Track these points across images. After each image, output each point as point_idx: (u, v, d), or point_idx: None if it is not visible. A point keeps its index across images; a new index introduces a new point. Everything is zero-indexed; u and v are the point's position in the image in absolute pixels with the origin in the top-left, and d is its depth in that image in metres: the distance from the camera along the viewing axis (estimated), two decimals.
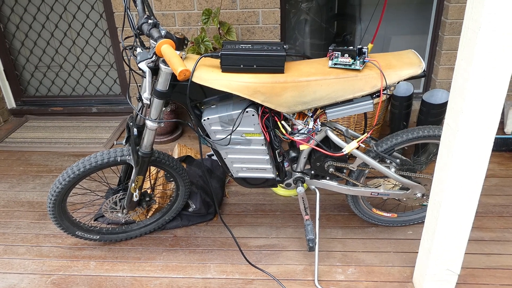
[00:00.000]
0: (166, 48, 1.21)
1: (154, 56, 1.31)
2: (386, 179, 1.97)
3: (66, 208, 1.87)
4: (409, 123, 2.63)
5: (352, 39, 3.46)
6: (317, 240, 1.85)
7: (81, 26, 3.21)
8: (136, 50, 1.42)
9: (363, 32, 3.39)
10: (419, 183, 1.88)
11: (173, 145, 3.05)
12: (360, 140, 1.61)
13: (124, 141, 1.80)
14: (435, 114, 2.38)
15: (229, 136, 1.64)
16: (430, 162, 2.56)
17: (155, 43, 1.28)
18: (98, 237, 2.04)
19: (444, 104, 2.37)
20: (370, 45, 2.64)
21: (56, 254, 2.06)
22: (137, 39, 1.45)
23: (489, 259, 1.94)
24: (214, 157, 2.73)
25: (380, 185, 1.96)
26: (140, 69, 1.42)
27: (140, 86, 1.62)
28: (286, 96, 1.53)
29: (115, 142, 1.75)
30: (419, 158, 2.54)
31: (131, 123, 1.67)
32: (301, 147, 1.70)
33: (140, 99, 1.56)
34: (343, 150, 1.65)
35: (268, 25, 2.86)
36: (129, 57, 1.47)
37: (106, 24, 3.18)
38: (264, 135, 1.66)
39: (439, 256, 1.60)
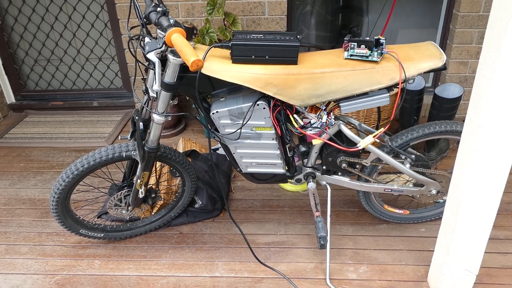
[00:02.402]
0: (177, 37, 1.14)
1: (163, 45, 1.24)
2: (399, 175, 1.91)
3: (70, 206, 1.81)
4: (419, 118, 2.57)
5: (359, 31, 3.38)
6: (328, 238, 1.79)
7: (82, 18, 3.13)
8: (143, 40, 1.35)
9: (370, 25, 3.32)
10: (434, 180, 1.82)
11: (176, 139, 2.99)
12: (376, 135, 1.55)
13: (129, 135, 1.73)
14: (448, 109, 2.32)
15: (239, 130, 1.58)
16: (441, 158, 2.50)
17: (164, 32, 1.21)
18: (102, 235, 1.98)
19: (458, 99, 2.30)
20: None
21: (60, 253, 2.00)
22: (144, 29, 1.38)
23: (505, 258, 1.88)
24: (220, 151, 2.67)
25: (393, 181, 1.90)
26: (147, 60, 1.35)
27: (145, 78, 1.55)
28: (299, 89, 1.46)
29: (119, 136, 1.69)
30: (430, 154, 2.47)
31: (136, 117, 1.60)
32: (314, 142, 1.64)
33: (146, 92, 1.49)
34: (358, 145, 1.59)
35: (274, 16, 2.79)
36: (135, 48, 1.40)
37: (107, 16, 3.10)
38: (276, 129, 1.59)
39: (458, 256, 1.55)
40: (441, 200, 2.00)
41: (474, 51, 2.85)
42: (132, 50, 1.35)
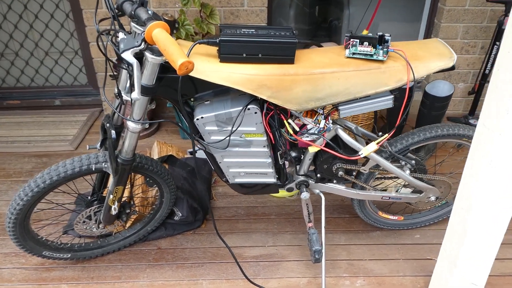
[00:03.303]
0: (160, 33, 0.94)
1: (142, 43, 1.04)
2: (394, 180, 1.79)
3: (30, 226, 1.57)
4: (407, 117, 2.47)
5: (340, 24, 3.25)
6: (323, 251, 1.65)
7: (40, 7, 2.82)
8: (116, 36, 1.14)
9: (351, 18, 3.19)
10: (433, 186, 1.71)
11: (149, 141, 2.76)
12: (380, 142, 1.40)
13: (98, 144, 1.51)
14: (438, 107, 2.22)
15: (227, 138, 1.39)
16: (428, 158, 2.41)
17: (142, 27, 1.01)
18: (69, 255, 1.75)
19: (448, 97, 2.21)
20: (365, 32, 2.44)
21: (20, 278, 1.75)
22: (116, 22, 1.16)
23: (503, 265, 1.81)
24: (198, 154, 2.47)
25: (389, 188, 1.78)
26: (121, 59, 1.14)
27: (116, 77, 1.34)
28: (297, 91, 1.29)
29: (87, 146, 1.46)
30: (419, 154, 2.38)
31: (107, 124, 1.38)
32: (310, 149, 1.48)
33: (118, 95, 1.28)
34: (360, 153, 1.44)
35: (254, 8, 2.60)
36: (105, 45, 1.19)
37: (69, 6, 2.80)
38: (268, 136, 1.42)
39: (465, 269, 1.44)
40: (445, 201, 1.89)
41: (459, 46, 2.77)
42: (101, 47, 1.13)
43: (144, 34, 0.97)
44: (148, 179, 1.75)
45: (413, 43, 1.42)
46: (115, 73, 1.37)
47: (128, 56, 1.04)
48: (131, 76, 1.30)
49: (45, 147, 2.67)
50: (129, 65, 1.10)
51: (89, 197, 1.65)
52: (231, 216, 2.09)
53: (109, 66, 1.30)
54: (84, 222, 1.63)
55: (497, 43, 2.53)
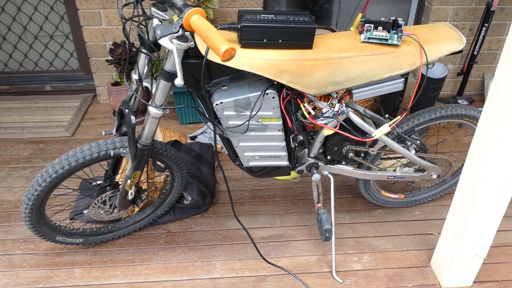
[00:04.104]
0: (199, 20, 0.94)
1: (180, 29, 1.04)
2: (398, 160, 1.87)
3: (45, 212, 1.57)
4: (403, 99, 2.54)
5: (332, 8, 3.27)
6: (333, 230, 1.72)
7: None
8: (144, 23, 1.13)
9: (343, 1, 3.22)
10: (435, 164, 1.79)
11: None
12: (393, 124, 1.46)
13: (114, 130, 1.51)
14: (433, 89, 2.30)
15: (247, 123, 1.42)
16: (421, 137, 2.51)
17: (163, 13, 1.01)
18: (81, 240, 1.76)
19: (443, 79, 2.29)
20: (359, 15, 2.48)
21: (31, 263, 1.76)
22: (139, 8, 1.16)
23: (497, 236, 1.92)
24: (199, 139, 2.49)
25: (388, 169, 1.85)
26: (143, 45, 1.13)
27: (133, 65, 1.33)
28: (316, 76, 1.33)
29: (103, 132, 1.46)
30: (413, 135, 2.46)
31: (126, 110, 1.38)
32: (325, 132, 1.53)
33: (139, 81, 1.28)
34: (373, 135, 1.49)
35: None
36: (127, 31, 1.18)
37: None
38: (286, 120, 1.46)
39: (470, 241, 1.54)
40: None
41: None
42: (127, 33, 1.13)
43: (182, 20, 0.98)
44: (158, 164, 1.76)
45: (422, 27, 1.47)
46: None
47: (166, 42, 1.05)
48: (149, 62, 1.31)
49: (40, 133, 2.62)
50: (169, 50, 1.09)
51: (94, 183, 1.65)
52: (237, 199, 2.14)
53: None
54: (99, 207, 1.64)
55: (485, 24, 2.62)
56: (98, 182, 1.75)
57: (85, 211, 1.84)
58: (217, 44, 0.90)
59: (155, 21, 1.09)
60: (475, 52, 2.74)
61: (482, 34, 2.67)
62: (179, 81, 1.05)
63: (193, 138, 2.52)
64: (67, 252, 1.81)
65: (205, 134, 2.52)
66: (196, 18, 0.96)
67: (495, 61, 3.03)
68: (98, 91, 2.92)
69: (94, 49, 2.73)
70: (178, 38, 1.14)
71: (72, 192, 1.94)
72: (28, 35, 2.89)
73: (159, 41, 1.04)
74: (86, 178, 2.10)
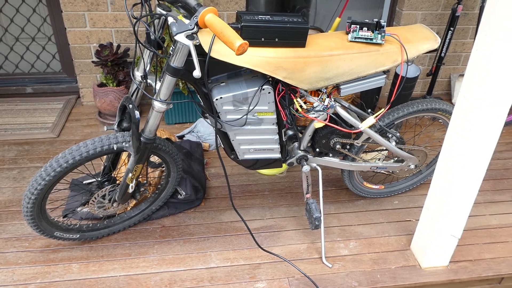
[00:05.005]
0: (213, 18, 1.03)
1: (196, 27, 1.12)
2: (379, 152, 2.01)
3: (46, 207, 1.60)
4: (379, 98, 2.71)
5: (309, 12, 3.42)
6: (322, 218, 1.83)
7: None
8: (154, 22, 1.21)
9: (319, 6, 3.37)
10: (413, 155, 1.95)
11: None
12: (378, 116, 1.60)
13: (115, 125, 1.57)
14: (407, 87, 2.47)
15: (245, 117, 1.52)
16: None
17: (194, 12, 1.08)
18: (78, 235, 1.80)
19: (416, 78, 2.47)
20: (338, 19, 2.63)
21: (26, 260, 1.77)
22: (146, 6, 1.24)
23: (469, 220, 2.09)
24: (188, 137, 2.56)
25: (373, 159, 1.99)
26: (149, 42, 1.20)
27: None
28: (308, 72, 1.44)
29: (105, 128, 1.52)
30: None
31: (130, 105, 1.45)
32: (316, 125, 1.64)
33: (144, 77, 1.35)
34: (359, 127, 1.62)
35: None
36: (135, 28, 1.25)
37: None
38: (281, 114, 1.56)
39: (446, 224, 1.69)
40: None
41: None
42: (136, 32, 1.20)
43: (197, 18, 1.07)
44: (152, 161, 1.82)
45: (401, 28, 1.61)
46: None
47: (182, 38, 1.13)
48: (152, 60, 1.39)
49: (24, 135, 2.61)
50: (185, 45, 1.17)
51: (85, 182, 1.69)
52: (227, 194, 2.22)
53: (140, 50, 1.36)
54: (99, 201, 1.68)
55: (451, 28, 2.83)
56: (88, 181, 1.78)
57: (78, 209, 1.88)
58: (232, 39, 1.00)
59: (170, 19, 1.17)
60: (442, 54, 2.95)
61: (448, 37, 2.88)
62: (197, 72, 1.13)
63: (180, 137, 2.58)
64: (62, 249, 1.84)
65: (192, 133, 2.59)
66: (210, 16, 1.05)
67: (460, 62, 3.26)
68: (82, 93, 2.94)
69: (78, 51, 2.75)
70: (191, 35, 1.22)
71: (68, 188, 1.96)
72: (9, 37, 2.87)
73: (175, 37, 1.12)
74: (75, 178, 2.14)
